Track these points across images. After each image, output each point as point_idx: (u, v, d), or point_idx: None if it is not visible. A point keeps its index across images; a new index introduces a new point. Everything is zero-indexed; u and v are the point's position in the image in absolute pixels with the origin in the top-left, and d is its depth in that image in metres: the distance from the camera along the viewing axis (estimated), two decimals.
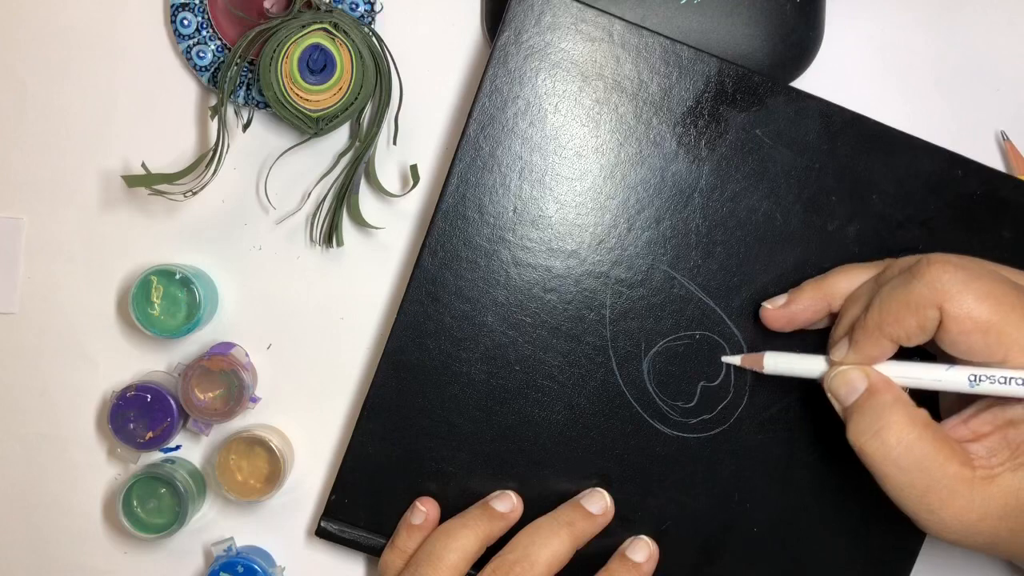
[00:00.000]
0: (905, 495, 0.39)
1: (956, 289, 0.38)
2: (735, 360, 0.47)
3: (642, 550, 0.48)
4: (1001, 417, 0.40)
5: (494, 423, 0.48)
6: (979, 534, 0.39)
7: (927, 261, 0.39)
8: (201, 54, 0.51)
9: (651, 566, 0.48)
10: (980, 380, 0.39)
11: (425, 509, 0.48)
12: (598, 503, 0.48)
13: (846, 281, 0.44)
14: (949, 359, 0.40)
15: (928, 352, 0.42)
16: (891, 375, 0.41)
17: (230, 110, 0.52)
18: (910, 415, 0.39)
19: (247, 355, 0.53)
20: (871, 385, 0.41)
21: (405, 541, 0.48)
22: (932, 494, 0.38)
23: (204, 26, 0.51)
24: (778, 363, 0.45)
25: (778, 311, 0.46)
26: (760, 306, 0.46)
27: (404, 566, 0.47)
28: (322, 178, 0.52)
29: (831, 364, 0.43)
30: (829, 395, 0.42)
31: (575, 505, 0.48)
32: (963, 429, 0.40)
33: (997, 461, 0.39)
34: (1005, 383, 0.38)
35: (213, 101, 0.52)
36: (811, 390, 0.46)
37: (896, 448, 0.39)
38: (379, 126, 0.50)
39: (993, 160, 0.48)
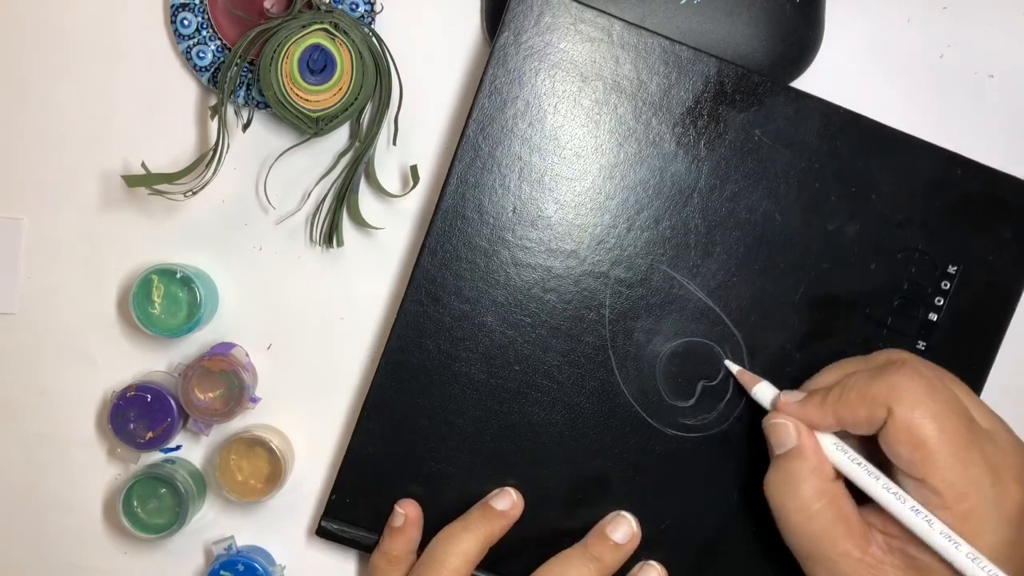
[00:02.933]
0: (793, 546, 0.42)
1: (910, 398, 0.39)
2: (734, 369, 0.48)
3: (623, 528, 0.48)
4: (908, 528, 0.40)
5: (494, 423, 0.48)
6: None
7: (900, 363, 0.41)
8: (201, 54, 0.51)
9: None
10: (895, 496, 0.40)
11: (404, 511, 0.48)
12: (624, 530, 0.47)
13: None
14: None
15: None
16: (827, 444, 0.43)
17: (230, 110, 0.52)
18: (819, 489, 0.41)
19: (247, 355, 0.53)
20: (798, 446, 0.42)
21: (389, 544, 0.48)
22: (812, 561, 0.41)
23: (204, 26, 0.51)
24: (762, 395, 0.46)
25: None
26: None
27: (407, 570, 0.47)
28: (322, 178, 0.52)
29: (774, 404, 0.45)
30: (765, 434, 0.44)
31: (603, 537, 0.47)
32: (877, 518, 0.41)
33: (889, 560, 0.40)
34: (914, 512, 0.39)
35: (213, 101, 0.52)
36: None
37: (795, 515, 0.41)
38: (379, 126, 0.50)
39: (993, 160, 0.48)
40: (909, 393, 0.39)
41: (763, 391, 0.46)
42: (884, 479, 0.41)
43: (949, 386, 0.41)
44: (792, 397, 0.44)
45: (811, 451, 0.42)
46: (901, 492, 0.40)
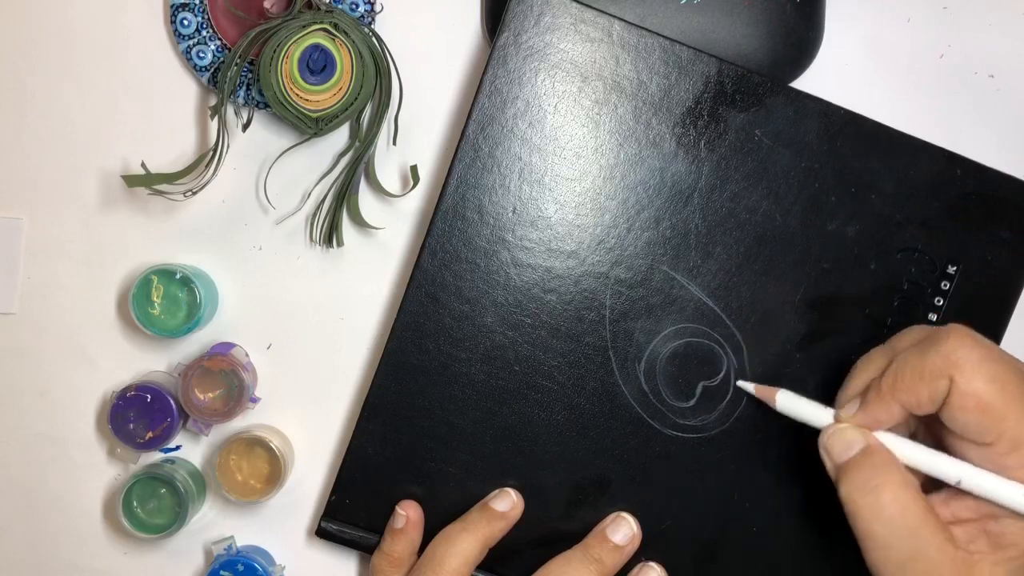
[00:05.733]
0: (886, 558, 0.38)
1: (969, 365, 0.38)
2: (749, 388, 0.47)
3: (623, 529, 0.48)
4: (985, 508, 0.39)
5: (494, 424, 0.48)
6: None
7: (947, 332, 0.39)
8: (201, 54, 0.51)
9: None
10: (967, 480, 0.39)
11: (405, 513, 0.48)
12: (624, 531, 0.48)
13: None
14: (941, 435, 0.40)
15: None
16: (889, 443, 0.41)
17: (230, 110, 0.52)
18: (905, 478, 0.39)
19: (247, 355, 0.53)
20: (868, 445, 0.40)
21: (390, 545, 0.48)
22: (914, 564, 0.38)
23: (204, 26, 0.51)
24: (788, 404, 0.45)
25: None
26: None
27: (407, 572, 0.48)
28: (322, 178, 0.52)
29: (837, 420, 0.42)
30: (822, 451, 0.42)
31: (603, 538, 0.47)
32: (943, 509, 0.40)
33: (976, 548, 0.39)
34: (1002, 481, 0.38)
35: (213, 101, 0.52)
36: None
37: (890, 507, 0.38)
38: (379, 126, 0.50)
39: (993, 160, 0.48)
40: (967, 360, 0.38)
41: (811, 410, 0.44)
42: (956, 459, 0.39)
43: (996, 346, 0.39)
44: (849, 410, 0.42)
45: (881, 446, 0.40)
46: (976, 467, 0.39)
